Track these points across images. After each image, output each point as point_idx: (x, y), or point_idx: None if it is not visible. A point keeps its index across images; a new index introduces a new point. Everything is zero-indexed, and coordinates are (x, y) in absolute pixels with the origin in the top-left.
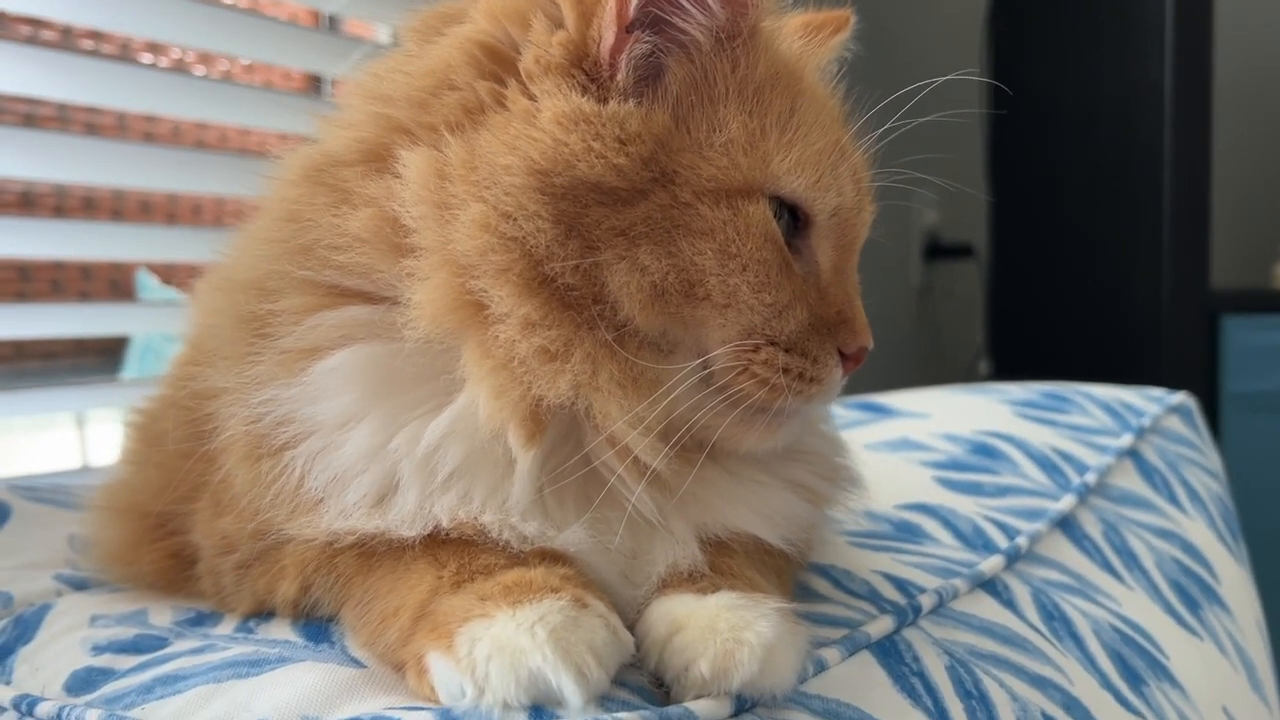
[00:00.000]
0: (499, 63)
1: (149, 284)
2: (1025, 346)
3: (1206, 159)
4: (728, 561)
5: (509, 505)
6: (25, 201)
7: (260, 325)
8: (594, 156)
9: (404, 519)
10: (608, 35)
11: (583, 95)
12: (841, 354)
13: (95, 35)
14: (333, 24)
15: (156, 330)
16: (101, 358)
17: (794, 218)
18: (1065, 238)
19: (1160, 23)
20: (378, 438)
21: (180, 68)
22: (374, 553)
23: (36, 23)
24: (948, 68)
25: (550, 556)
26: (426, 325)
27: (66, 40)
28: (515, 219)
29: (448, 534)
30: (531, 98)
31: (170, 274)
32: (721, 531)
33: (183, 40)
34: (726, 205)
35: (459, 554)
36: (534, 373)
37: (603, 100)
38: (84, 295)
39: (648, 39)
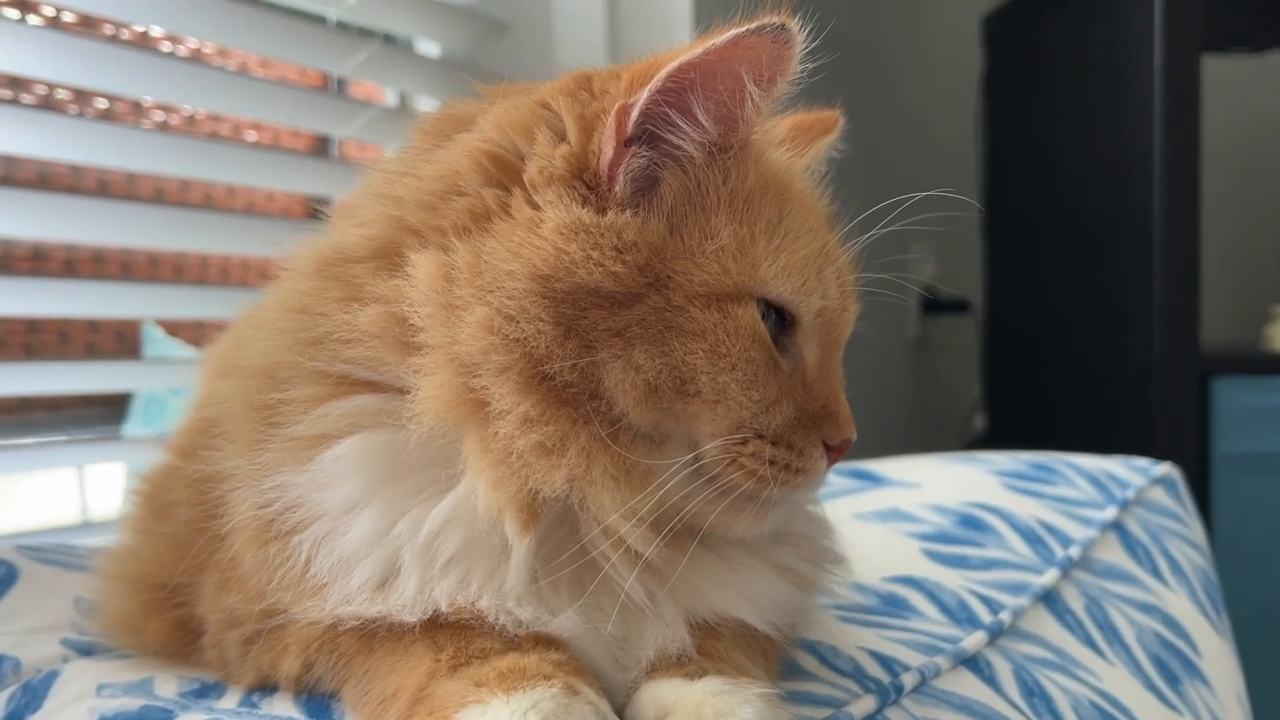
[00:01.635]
0: (505, 171)
1: (155, 336)
2: (1021, 401)
3: (1196, 221)
4: (715, 644)
5: (505, 590)
6: (36, 255)
7: (271, 413)
8: (593, 264)
9: (405, 604)
10: (607, 150)
11: (583, 206)
12: (826, 445)
13: (108, 97)
14: (340, 86)
15: (162, 385)
16: (106, 408)
17: (781, 317)
18: (1059, 295)
19: (1149, 88)
20: (381, 523)
21: (190, 128)
22: (375, 634)
23: (51, 85)
24: (944, 129)
25: (544, 641)
26: (431, 419)
27: (80, 101)
28: (517, 321)
29: (446, 617)
30: (535, 206)
31: (176, 328)
32: (710, 616)
33: (193, 102)
34: (717, 309)
35: (456, 637)
36: (531, 466)
37: (602, 210)
38: (90, 347)
39: (645, 153)
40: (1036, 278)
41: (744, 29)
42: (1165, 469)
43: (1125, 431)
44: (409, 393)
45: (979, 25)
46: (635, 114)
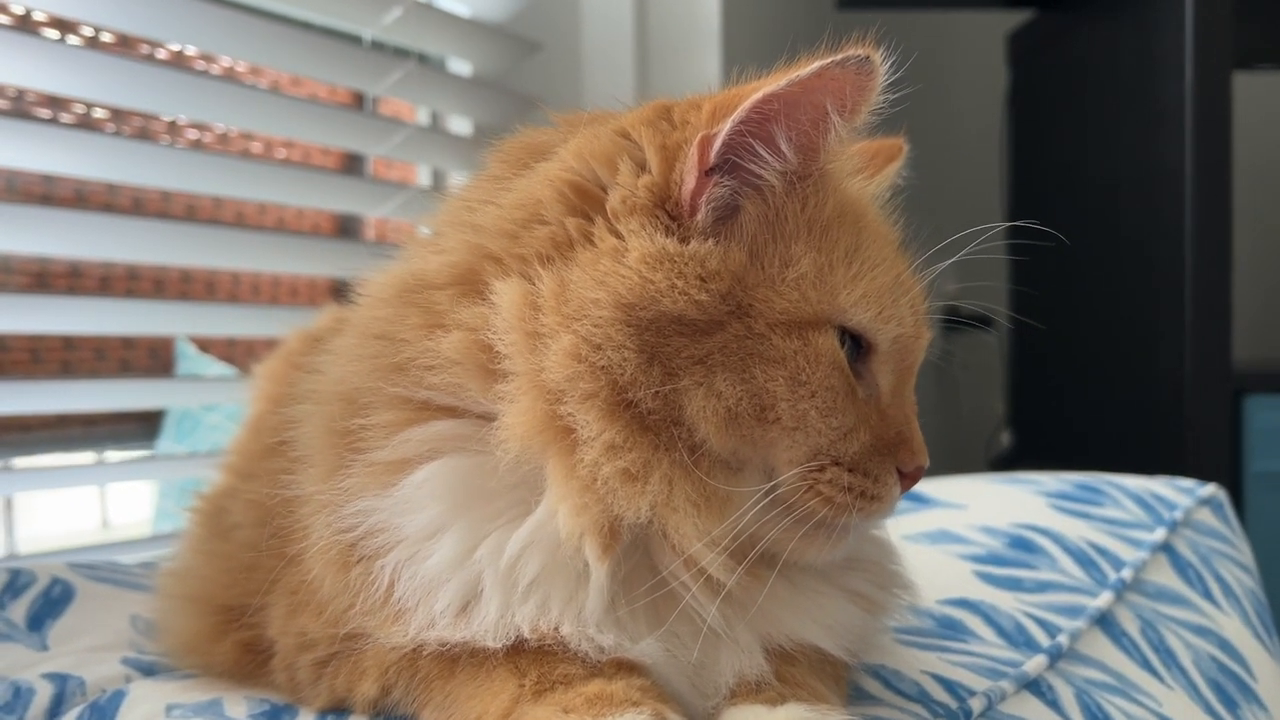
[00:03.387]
0: (587, 201)
1: (188, 352)
2: (1047, 418)
3: (1228, 238)
4: (791, 670)
5: (585, 616)
6: (73, 273)
7: (352, 439)
8: (677, 293)
9: (488, 628)
10: (689, 179)
11: (666, 235)
12: (900, 472)
13: (145, 116)
14: (373, 105)
15: (194, 402)
16: (140, 424)
17: (857, 345)
18: (1086, 312)
19: (1180, 106)
20: (462, 547)
21: (223, 146)
22: (456, 658)
23: (88, 104)
24: (968, 147)
25: (625, 667)
26: (516, 446)
27: (117, 120)
28: (603, 349)
29: (528, 643)
30: (618, 235)
31: (208, 344)
32: (786, 643)
33: (226, 120)
34: (797, 336)
35: (538, 663)
36: (615, 493)
37: (685, 240)
38: (125, 362)
39: (726, 182)
40: (1062, 295)
41: (829, 60)
42: (1211, 490)
43: (1156, 449)
44: (490, 419)
45: (1004, 42)
46: (718, 144)
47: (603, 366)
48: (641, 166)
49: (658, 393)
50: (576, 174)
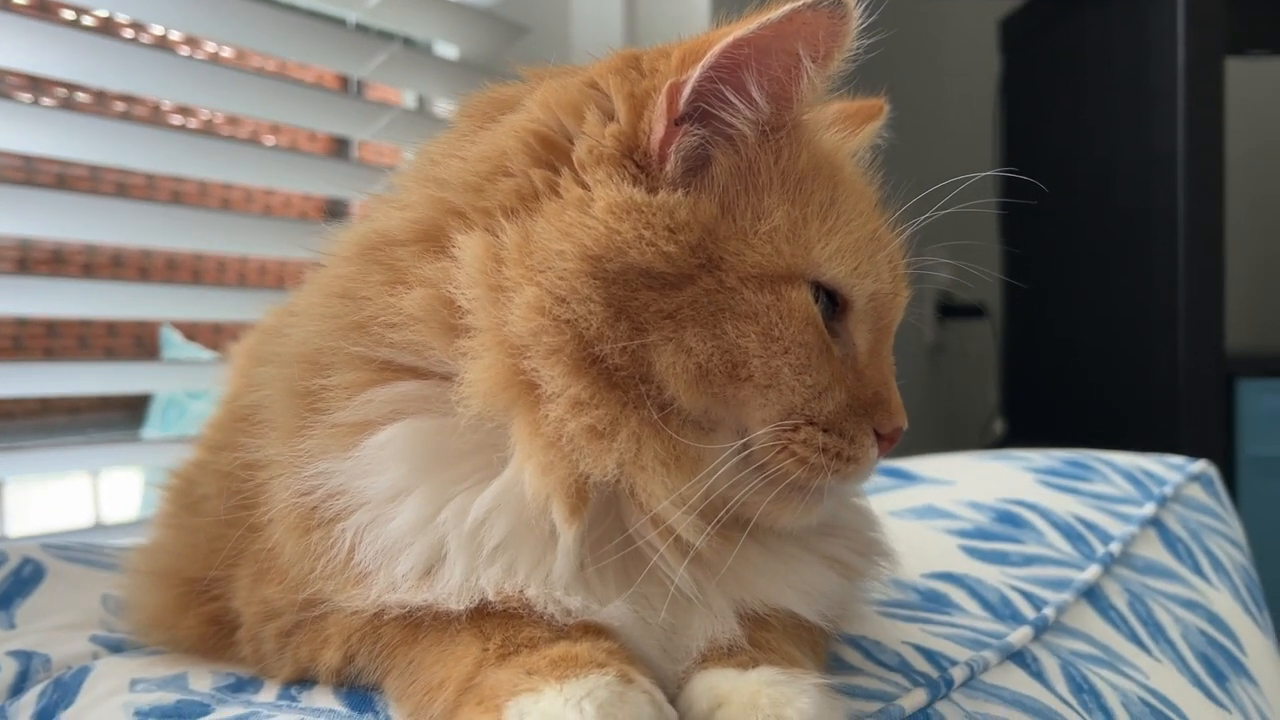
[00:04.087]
0: (553, 152)
1: (173, 339)
2: (1041, 405)
3: (1220, 223)
4: (765, 635)
5: (552, 579)
6: (56, 257)
7: (313, 400)
8: (645, 244)
9: (451, 592)
10: (658, 128)
11: (634, 185)
12: (877, 434)
13: (127, 99)
14: (359, 88)
15: (181, 388)
16: (126, 411)
17: (832, 302)
18: (1079, 299)
19: (1172, 91)
20: (426, 510)
21: (209, 130)
22: (419, 623)
23: (72, 87)
24: (960, 132)
25: (593, 630)
26: (479, 403)
27: (100, 104)
28: (568, 302)
29: (493, 606)
30: (584, 186)
31: (194, 330)
32: (760, 608)
33: (212, 103)
34: (770, 290)
35: (503, 626)
36: (581, 451)
37: (653, 190)
38: (109, 350)
39: (696, 131)
40: (1055, 282)
41: (800, 3)
42: (1202, 466)
43: (1150, 435)
44: (453, 378)
45: (996, 28)
46: (688, 91)
47: (568, 320)
48: (609, 116)
49: (625, 348)
50: (542, 124)
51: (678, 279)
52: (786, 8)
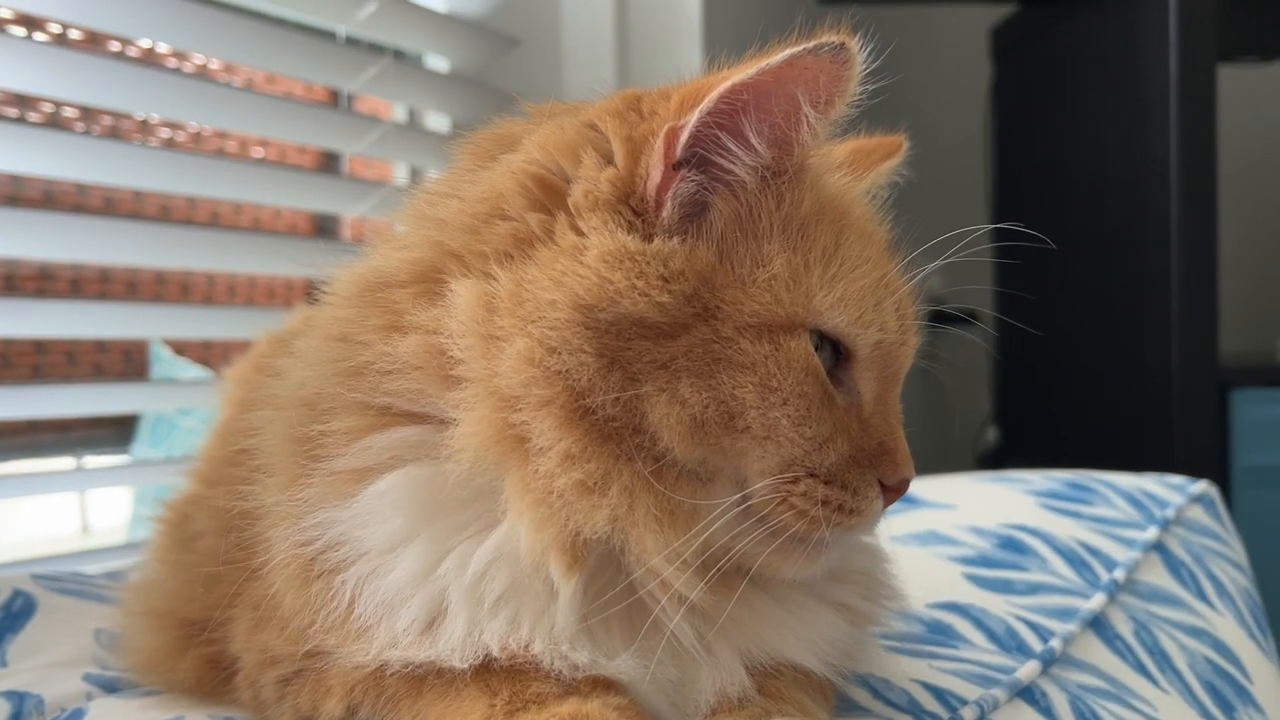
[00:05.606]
0: (549, 195)
1: (162, 354)
2: (1033, 414)
3: (1213, 232)
4: (775, 684)
5: (556, 632)
6: (42, 276)
7: (311, 446)
8: (638, 294)
9: (454, 647)
10: (655, 173)
11: (628, 232)
12: (883, 485)
13: (114, 114)
14: (349, 102)
15: (170, 406)
16: (114, 429)
17: (836, 350)
18: (1072, 307)
19: (1164, 98)
20: (426, 561)
21: (197, 145)
22: (424, 676)
23: (58, 103)
24: (951, 139)
25: (601, 684)
26: (470, 457)
27: (86, 119)
28: (560, 353)
29: (498, 661)
30: (579, 233)
31: (183, 347)
32: (766, 660)
33: (199, 118)
34: (768, 340)
35: (510, 681)
36: (572, 506)
37: (648, 237)
38: (98, 366)
39: (694, 177)
40: (1048, 290)
41: (800, 48)
42: (1203, 487)
43: (1143, 444)
44: (451, 424)
45: (988, 36)
46: (685, 136)
47: (559, 371)
48: (607, 159)
49: (618, 399)
50: (540, 166)
51: (672, 328)
52: (786, 52)
